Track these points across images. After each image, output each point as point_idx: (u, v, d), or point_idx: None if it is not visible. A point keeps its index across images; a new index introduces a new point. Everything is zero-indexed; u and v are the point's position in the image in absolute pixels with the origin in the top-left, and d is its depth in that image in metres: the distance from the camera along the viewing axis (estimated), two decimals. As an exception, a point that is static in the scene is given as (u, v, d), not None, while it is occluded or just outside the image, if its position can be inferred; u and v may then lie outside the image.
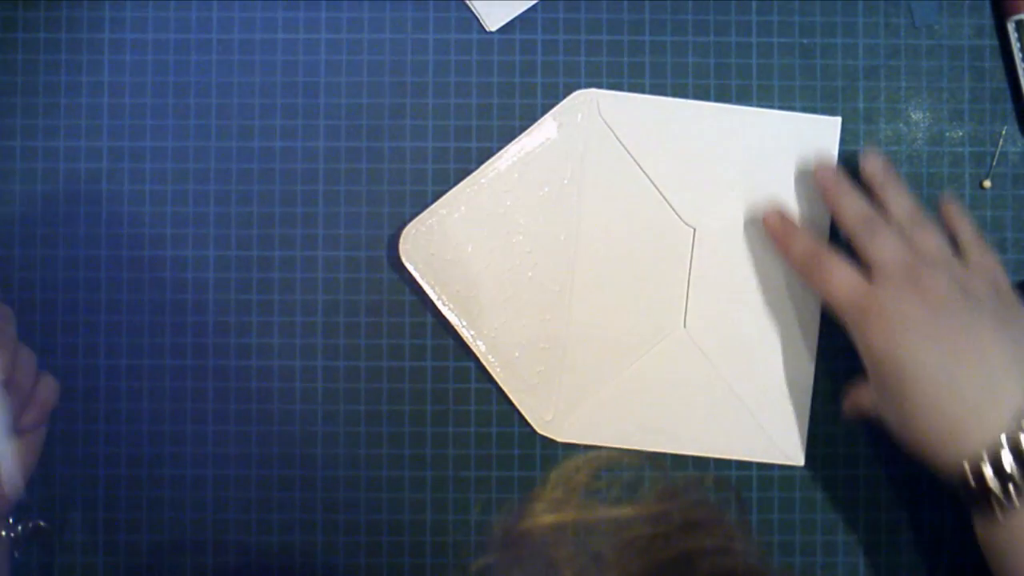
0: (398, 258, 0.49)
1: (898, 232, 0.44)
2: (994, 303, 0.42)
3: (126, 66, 0.51)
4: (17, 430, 0.44)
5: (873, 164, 0.47)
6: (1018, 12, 0.50)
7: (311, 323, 0.50)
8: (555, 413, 0.50)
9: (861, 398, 0.46)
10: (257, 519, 0.50)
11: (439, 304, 0.49)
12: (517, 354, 0.50)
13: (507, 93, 0.50)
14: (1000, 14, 0.50)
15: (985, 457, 0.39)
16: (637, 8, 0.51)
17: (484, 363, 0.49)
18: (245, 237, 0.50)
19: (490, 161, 0.50)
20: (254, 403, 0.50)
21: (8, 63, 0.50)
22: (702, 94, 0.51)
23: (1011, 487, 0.38)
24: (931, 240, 0.44)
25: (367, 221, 0.50)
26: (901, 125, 0.51)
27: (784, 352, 0.50)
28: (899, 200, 0.46)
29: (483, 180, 0.49)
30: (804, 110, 0.51)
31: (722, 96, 0.51)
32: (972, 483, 0.39)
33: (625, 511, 0.32)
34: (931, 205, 0.51)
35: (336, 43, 0.51)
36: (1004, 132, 0.51)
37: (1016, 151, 0.51)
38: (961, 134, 0.51)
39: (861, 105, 0.51)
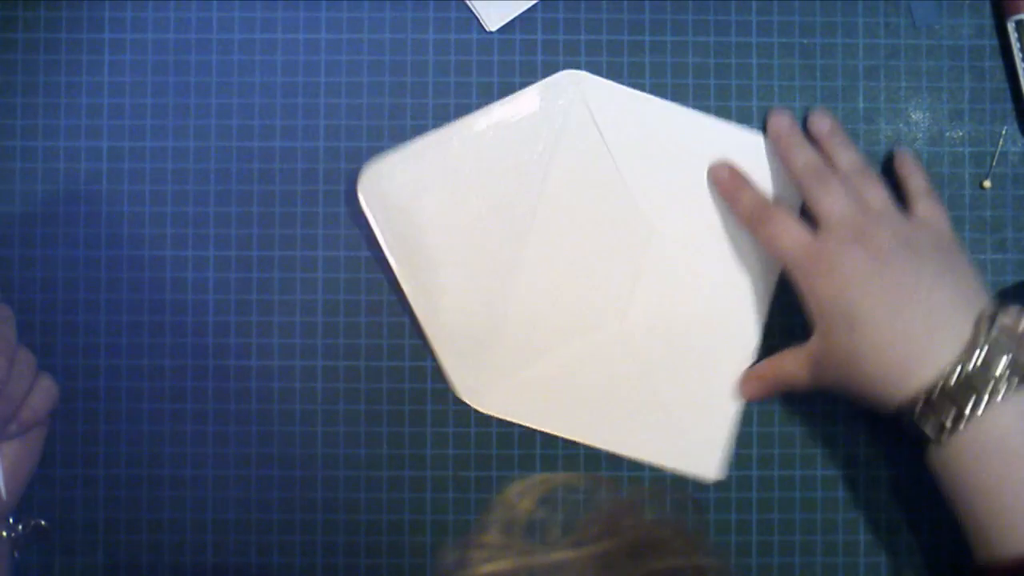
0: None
1: (845, 185, 0.46)
2: (936, 254, 0.44)
3: (126, 66, 0.51)
4: (4, 435, 0.44)
5: (820, 121, 0.49)
6: (1018, 12, 0.50)
7: (311, 323, 0.50)
8: (480, 381, 0.50)
9: (784, 367, 0.47)
10: (257, 519, 0.50)
11: (384, 248, 0.49)
12: (453, 316, 0.49)
13: (507, 93, 0.50)
14: (1000, 14, 0.51)
15: (936, 388, 0.41)
16: (637, 8, 0.51)
17: (418, 317, 0.49)
18: (245, 237, 0.51)
19: (467, 117, 0.49)
20: (254, 403, 0.50)
21: (8, 63, 0.50)
22: (702, 94, 0.51)
23: (964, 410, 0.41)
24: (876, 193, 0.46)
25: (368, 221, 0.50)
26: (901, 125, 0.51)
27: (720, 365, 0.50)
28: (846, 154, 0.48)
29: (454, 136, 0.49)
30: (804, 110, 0.51)
31: (722, 96, 0.51)
32: (922, 412, 0.41)
33: (567, 554, 0.32)
34: (931, 205, 0.51)
35: (336, 43, 0.51)
36: (1004, 132, 0.51)
37: (1016, 151, 0.51)
38: (961, 134, 0.51)
39: (861, 105, 0.51)
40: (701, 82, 0.51)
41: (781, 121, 0.49)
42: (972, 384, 0.41)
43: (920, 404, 0.41)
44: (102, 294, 0.50)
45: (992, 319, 0.42)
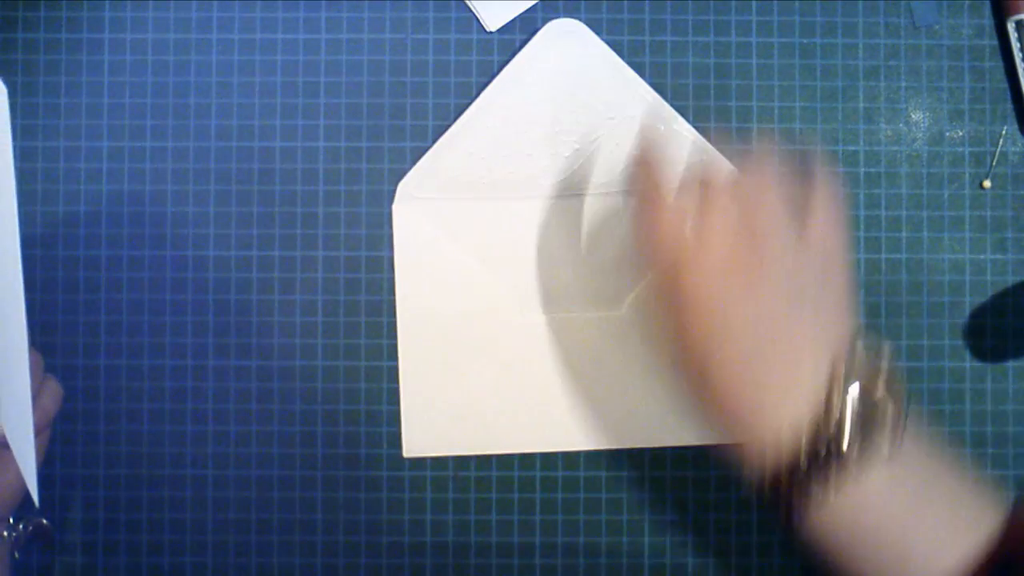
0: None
1: (734, 201, 0.41)
2: (815, 290, 0.40)
3: (126, 66, 0.51)
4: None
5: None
6: (1018, 12, 0.50)
7: (311, 323, 0.50)
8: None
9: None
10: (257, 519, 0.50)
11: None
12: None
13: (507, 93, 0.51)
14: (1000, 14, 0.51)
15: (793, 452, 0.38)
16: (637, 8, 0.51)
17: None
18: (245, 237, 0.51)
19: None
20: (254, 403, 0.50)
21: (8, 63, 0.50)
22: (702, 94, 0.51)
23: (854, 444, 0.38)
24: (768, 211, 0.41)
25: (367, 221, 0.50)
26: (901, 125, 0.51)
27: None
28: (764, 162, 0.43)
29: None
30: (804, 110, 0.51)
31: (722, 96, 0.51)
32: (807, 448, 0.38)
33: None
34: (932, 204, 0.51)
35: (336, 43, 0.51)
36: (1004, 132, 0.51)
37: (1016, 151, 0.51)
38: (961, 134, 0.51)
39: (861, 105, 0.51)
40: (701, 82, 0.51)
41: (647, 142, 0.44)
42: (830, 445, 0.37)
43: (804, 437, 0.38)
44: (102, 294, 0.50)
45: (848, 361, 0.39)
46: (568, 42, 0.50)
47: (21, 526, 0.47)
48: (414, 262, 0.50)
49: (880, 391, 0.39)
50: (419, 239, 0.50)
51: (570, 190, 0.50)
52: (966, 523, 0.39)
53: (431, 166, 0.50)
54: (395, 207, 0.50)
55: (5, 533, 0.46)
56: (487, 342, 0.50)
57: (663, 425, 0.47)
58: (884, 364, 0.39)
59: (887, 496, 0.38)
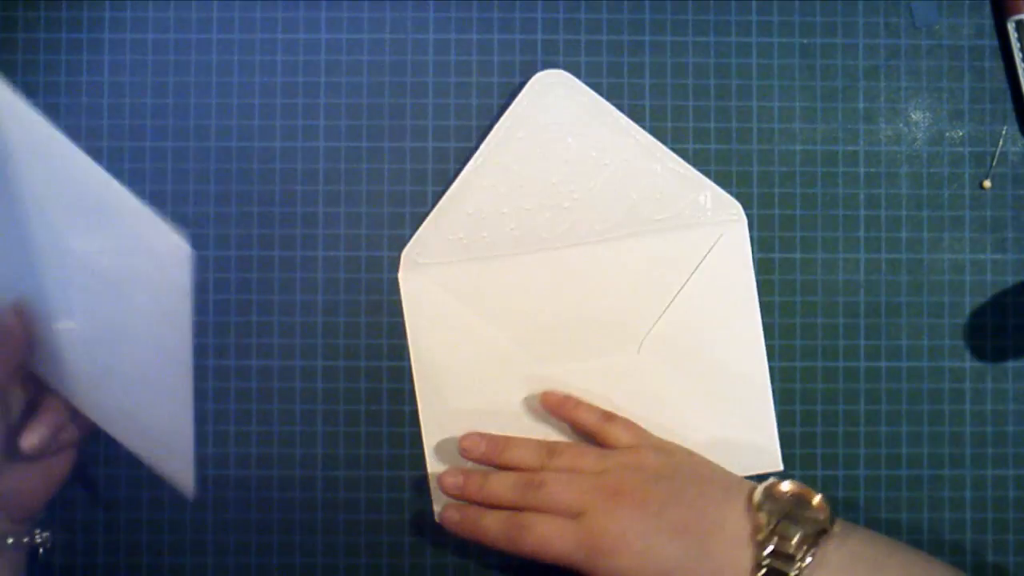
0: (397, 258, 0.50)
1: (557, 474, 0.46)
2: (676, 471, 0.45)
3: (126, 66, 0.51)
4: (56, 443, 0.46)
5: (472, 442, 0.48)
6: (1018, 12, 0.50)
7: (311, 323, 0.50)
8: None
9: None
10: (257, 519, 0.50)
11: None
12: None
13: (507, 94, 0.50)
14: (1000, 14, 0.51)
15: None
16: (637, 8, 0.51)
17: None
18: (245, 237, 0.51)
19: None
20: (254, 403, 0.50)
21: (8, 63, 0.50)
22: (702, 94, 0.51)
23: None
24: (581, 457, 0.46)
25: (367, 221, 0.50)
26: (901, 125, 0.51)
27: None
28: (523, 451, 0.47)
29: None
30: (804, 110, 0.51)
31: (722, 96, 0.51)
32: None
33: None
34: (932, 204, 0.51)
35: (336, 43, 0.51)
36: (1004, 132, 0.51)
37: (1016, 151, 0.51)
38: (961, 134, 0.51)
39: (861, 105, 0.51)
40: (701, 82, 0.51)
41: (473, 441, 0.48)
42: (779, 571, 0.41)
43: None
44: (102, 294, 0.50)
45: (759, 501, 0.43)
46: (556, 93, 0.50)
47: (38, 531, 0.47)
48: (425, 326, 0.50)
49: (802, 510, 0.43)
50: (428, 304, 0.50)
51: (573, 240, 0.50)
52: None
53: (432, 231, 0.50)
54: (401, 275, 0.50)
55: (26, 539, 0.46)
56: (504, 398, 0.50)
57: None
58: (792, 487, 0.43)
59: None
